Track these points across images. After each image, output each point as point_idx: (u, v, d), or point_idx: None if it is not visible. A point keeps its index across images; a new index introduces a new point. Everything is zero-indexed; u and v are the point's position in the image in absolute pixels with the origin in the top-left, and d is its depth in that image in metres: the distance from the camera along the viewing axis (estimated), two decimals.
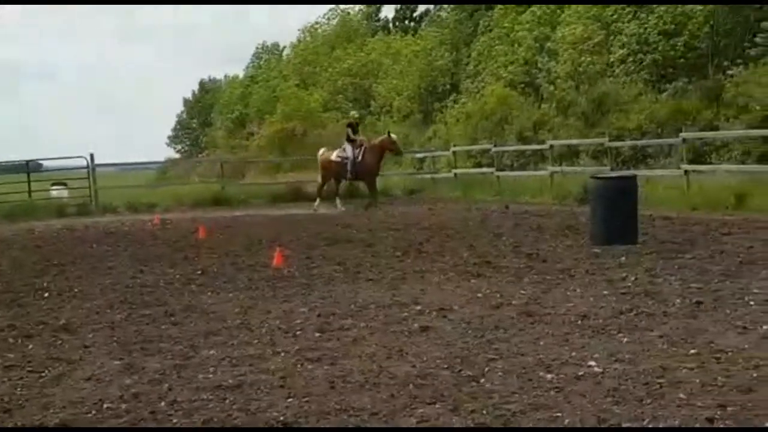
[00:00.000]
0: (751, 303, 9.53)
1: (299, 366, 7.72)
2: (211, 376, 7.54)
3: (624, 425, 5.84)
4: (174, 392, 7.07)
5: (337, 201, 26.87)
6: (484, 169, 32.64)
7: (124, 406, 6.79)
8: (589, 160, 29.23)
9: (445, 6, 52.60)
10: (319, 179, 27.97)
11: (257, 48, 74.82)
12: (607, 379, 6.87)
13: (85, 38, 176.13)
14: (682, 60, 32.21)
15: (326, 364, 7.71)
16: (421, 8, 63.17)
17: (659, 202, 21.36)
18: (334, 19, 63.67)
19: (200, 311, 10.59)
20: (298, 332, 9.13)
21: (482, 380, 7.01)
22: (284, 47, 72.21)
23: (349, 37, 58.93)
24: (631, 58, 33.22)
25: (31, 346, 9.03)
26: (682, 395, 6.37)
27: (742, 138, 24.69)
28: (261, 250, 16.21)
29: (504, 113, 35.76)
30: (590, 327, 8.72)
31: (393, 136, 27.44)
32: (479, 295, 10.80)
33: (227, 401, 6.77)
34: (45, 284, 13.34)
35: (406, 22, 63.56)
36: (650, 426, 5.80)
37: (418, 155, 39.14)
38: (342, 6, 63.63)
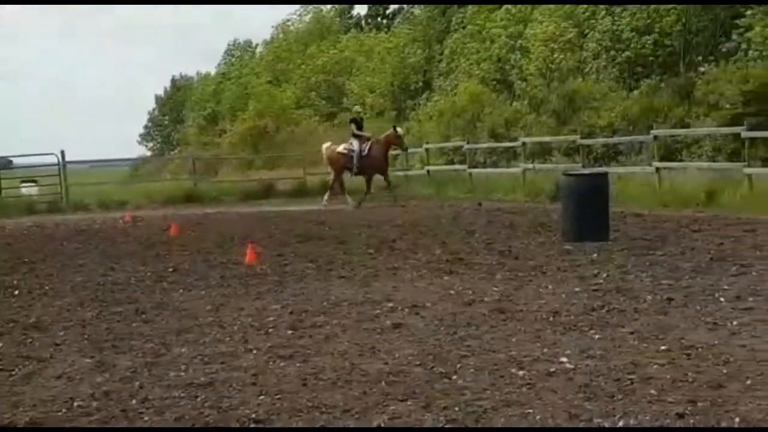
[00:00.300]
0: (721, 299, 9.59)
1: (271, 363, 7.71)
2: (182, 373, 7.51)
3: (595, 421, 5.86)
4: (145, 390, 7.03)
5: (349, 199, 26.61)
6: (457, 167, 32.65)
7: (95, 404, 6.75)
8: (561, 158, 29.30)
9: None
10: (331, 174, 27.57)
11: (229, 45, 74.63)
12: (578, 376, 6.89)
13: (47, 35, 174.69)
14: (654, 58, 32.36)
15: (298, 362, 7.70)
16: (394, 5, 63.23)
17: (631, 199, 21.48)
18: (306, 15, 63.56)
19: (172, 309, 10.55)
20: (270, 329, 9.11)
21: (454, 377, 7.02)
22: (257, 44, 72.07)
23: (322, 34, 58.83)
24: (603, 55, 33.33)
25: (0, 345, 8.96)
26: (652, 391, 6.40)
27: (712, 135, 24.83)
28: (233, 248, 16.16)
29: (477, 110, 35.79)
30: (562, 323, 8.75)
31: (399, 130, 27.02)
32: (451, 292, 10.81)
33: (199, 399, 6.74)
34: (15, 282, 13.24)
35: (379, 19, 63.55)
36: (621, 423, 5.83)
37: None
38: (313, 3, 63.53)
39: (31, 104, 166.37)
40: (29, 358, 8.31)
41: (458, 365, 7.34)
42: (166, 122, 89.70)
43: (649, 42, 31.98)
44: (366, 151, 26.18)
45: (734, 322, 8.46)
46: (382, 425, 6.00)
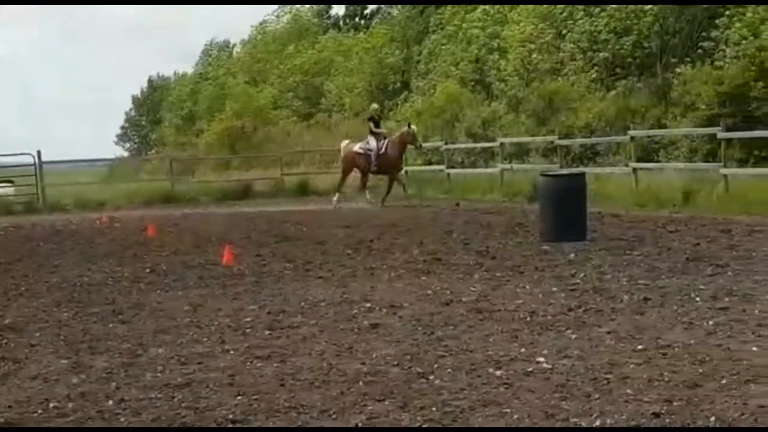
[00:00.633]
0: (697, 299, 9.64)
1: (248, 364, 7.69)
2: (159, 374, 7.49)
3: (572, 420, 5.87)
4: (121, 391, 7.00)
5: (367, 194, 26.32)
6: (435, 167, 32.68)
7: (70, 405, 6.72)
8: (539, 158, 29.37)
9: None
10: (340, 173, 27.29)
11: (206, 45, 74.40)
12: (555, 375, 6.91)
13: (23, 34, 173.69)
14: (632, 59, 32.47)
15: (276, 362, 7.69)
16: (372, 6, 63.22)
17: (608, 200, 21.56)
18: (285, 16, 63.44)
19: (149, 309, 10.52)
20: (247, 330, 9.09)
21: (432, 377, 7.02)
22: (234, 44, 71.88)
23: (301, 34, 58.73)
24: (581, 56, 33.41)
25: None
26: (629, 390, 6.42)
27: (689, 136, 24.95)
28: (211, 248, 16.13)
29: (455, 111, 35.81)
30: (539, 323, 8.77)
31: (413, 128, 26.48)
32: (429, 292, 10.82)
33: (175, 399, 6.72)
34: None
35: (357, 19, 63.50)
36: (598, 423, 5.84)
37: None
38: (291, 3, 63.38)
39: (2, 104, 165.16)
40: (4, 359, 8.26)
41: (435, 365, 7.35)
42: (143, 123, 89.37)
43: (627, 43, 32.08)
44: (383, 150, 25.75)
45: (710, 322, 8.50)
46: (360, 425, 6.00)
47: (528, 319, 9.01)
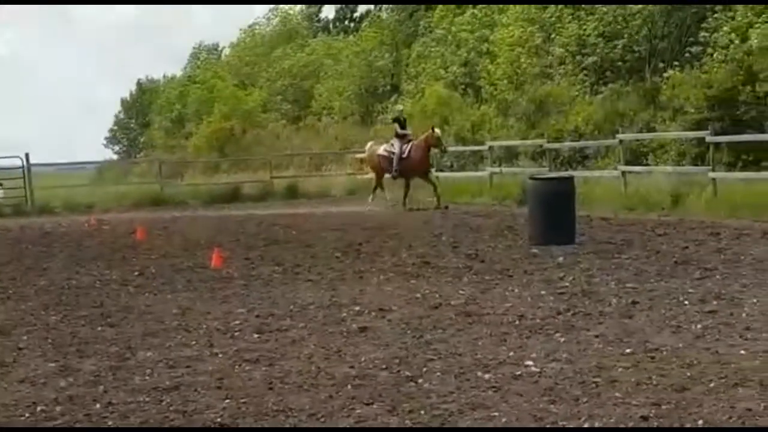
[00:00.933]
0: (686, 303, 9.66)
1: (237, 367, 7.69)
2: (147, 377, 7.48)
3: (560, 423, 5.88)
4: (109, 394, 7.00)
5: (387, 195, 25.78)
6: None
7: (58, 408, 6.71)
8: (528, 162, 29.38)
9: (385, 6, 52.63)
10: (373, 176, 26.75)
11: (194, 48, 74.23)
12: (543, 379, 6.92)
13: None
14: (622, 62, 32.51)
15: (264, 365, 7.69)
16: (362, 9, 63.16)
17: (597, 203, 21.57)
18: (274, 19, 63.36)
19: (137, 313, 10.50)
20: (236, 333, 9.09)
21: (420, 380, 7.03)
22: (223, 47, 71.76)
23: (290, 37, 58.67)
24: (570, 60, 33.45)
25: None
26: (617, 394, 6.44)
27: (677, 140, 25.00)
28: (199, 251, 16.10)
29: (444, 114, 35.81)
30: (528, 327, 8.78)
31: (437, 131, 25.86)
32: (418, 295, 10.82)
33: (164, 403, 6.71)
34: None
35: (347, 22, 63.48)
36: (586, 426, 5.85)
37: (359, 155, 39.10)
38: (283, 6, 63.33)
39: None
40: None
41: (424, 369, 7.35)
42: (132, 125, 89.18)
43: (618, 47, 32.13)
44: (406, 153, 25.17)
45: (698, 326, 8.52)
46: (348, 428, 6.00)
47: (516, 322, 9.02)
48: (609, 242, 15.15)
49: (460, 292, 10.94)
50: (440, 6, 44.35)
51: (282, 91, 52.90)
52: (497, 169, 28.57)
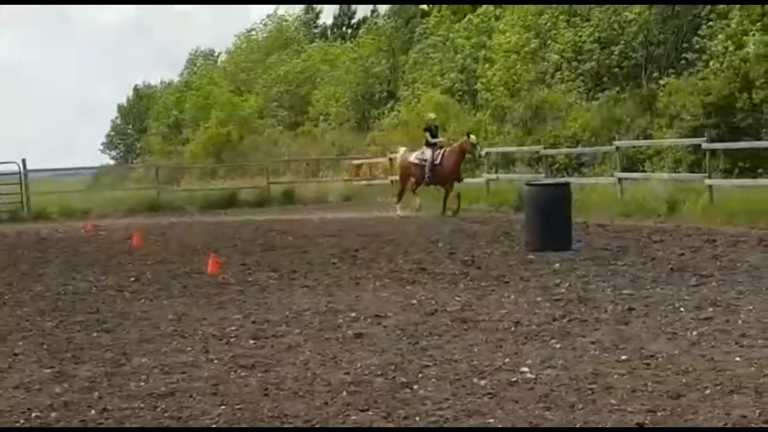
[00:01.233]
0: (681, 309, 9.66)
1: (233, 373, 7.68)
2: (142, 383, 7.47)
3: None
4: (104, 400, 6.99)
5: (417, 201, 24.99)
6: None
7: (53, 414, 6.70)
8: (524, 168, 29.40)
9: (383, 13, 52.75)
10: (399, 182, 26.23)
11: (191, 54, 74.24)
12: (539, 385, 6.92)
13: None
14: (619, 68, 32.53)
15: (260, 371, 7.68)
16: (360, 15, 63.27)
17: (593, 210, 21.59)
18: (270, 24, 63.37)
19: (133, 318, 10.50)
20: (232, 339, 9.08)
21: (416, 387, 7.02)
22: (220, 53, 71.77)
23: (286, 43, 58.68)
24: (566, 66, 33.48)
25: None
26: (613, 401, 6.44)
27: (674, 147, 25.02)
28: (196, 257, 16.09)
29: (441, 120, 35.84)
30: (524, 333, 8.78)
31: (472, 137, 25.27)
32: (414, 301, 10.82)
33: (159, 409, 6.71)
34: None
35: (344, 28, 63.53)
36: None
37: (355, 162, 39.15)
38: (280, 12, 63.34)
39: None
40: None
41: (420, 375, 7.35)
42: (129, 131, 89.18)
43: (614, 53, 32.16)
44: (438, 160, 24.59)
45: (694, 332, 8.53)
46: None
47: (512, 328, 9.02)
48: (605, 249, 15.16)
49: (456, 298, 10.94)
50: (435, 12, 44.46)
51: (278, 98, 52.91)
52: (494, 176, 28.59)
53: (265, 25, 62.78)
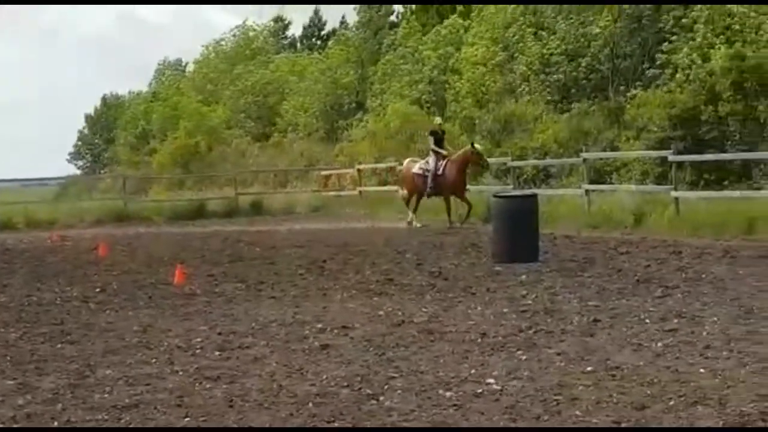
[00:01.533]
0: (647, 321, 9.71)
1: (198, 385, 7.64)
2: (107, 395, 7.41)
3: None
4: (68, 412, 6.92)
5: (412, 216, 24.52)
6: (389, 187, 32.68)
7: (16, 426, 6.63)
8: (492, 179, 29.48)
9: (351, 25, 52.87)
10: (405, 193, 25.49)
11: (159, 64, 74.03)
12: (505, 397, 6.92)
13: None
14: (587, 80, 32.73)
15: (225, 383, 7.64)
16: (329, 26, 63.40)
17: (560, 221, 21.69)
18: (240, 35, 63.25)
19: (98, 330, 10.42)
20: (197, 351, 9.03)
21: (382, 398, 7.01)
22: (187, 63, 71.59)
23: (254, 53, 58.59)
24: (533, 78, 33.65)
25: None
26: (578, 412, 6.45)
27: (641, 159, 25.19)
28: (162, 268, 16.01)
29: (410, 131, 35.91)
30: (490, 344, 8.79)
31: (477, 146, 24.62)
32: (381, 312, 10.81)
33: (123, 421, 6.66)
34: None
35: (314, 39, 63.57)
36: None
37: (324, 173, 39.14)
38: (248, 22, 63.23)
39: None
40: None
41: (386, 386, 7.34)
42: (97, 141, 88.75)
43: (582, 65, 32.35)
44: (441, 171, 23.88)
45: (659, 344, 8.56)
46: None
47: (479, 340, 9.03)
48: (572, 260, 15.22)
49: (423, 309, 10.94)
50: (404, 24, 44.65)
51: (246, 108, 52.82)
52: None
53: (234, 35, 62.64)
